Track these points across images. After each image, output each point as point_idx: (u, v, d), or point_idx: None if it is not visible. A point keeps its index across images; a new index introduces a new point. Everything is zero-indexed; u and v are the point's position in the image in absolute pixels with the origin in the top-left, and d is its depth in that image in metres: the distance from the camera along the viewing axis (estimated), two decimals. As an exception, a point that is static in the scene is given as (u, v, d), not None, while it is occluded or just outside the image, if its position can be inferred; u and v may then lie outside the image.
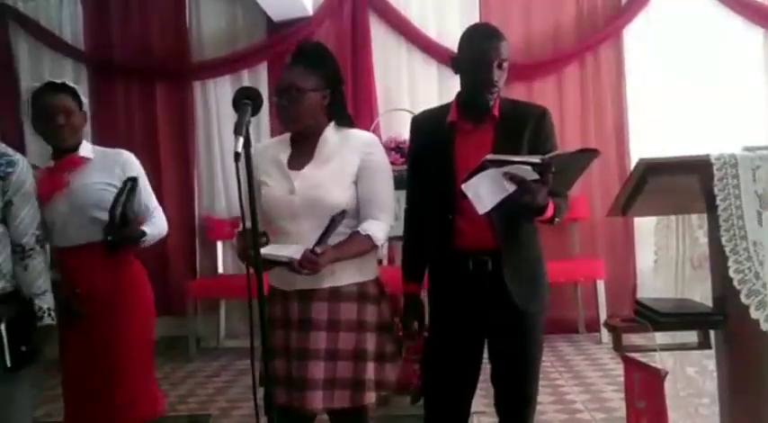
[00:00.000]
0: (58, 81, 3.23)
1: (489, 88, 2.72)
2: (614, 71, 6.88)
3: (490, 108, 2.76)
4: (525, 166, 2.41)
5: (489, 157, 2.46)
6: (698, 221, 2.56)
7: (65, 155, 3.19)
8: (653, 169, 2.28)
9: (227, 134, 7.10)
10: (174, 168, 7.16)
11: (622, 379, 2.59)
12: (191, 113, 7.17)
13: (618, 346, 2.53)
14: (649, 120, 6.64)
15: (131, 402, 3.16)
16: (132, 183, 3.12)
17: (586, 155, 2.47)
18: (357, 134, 2.86)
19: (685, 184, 2.33)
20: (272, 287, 2.82)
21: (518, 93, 6.74)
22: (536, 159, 2.42)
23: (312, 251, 2.54)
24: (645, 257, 6.40)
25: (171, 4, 7.23)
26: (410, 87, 6.93)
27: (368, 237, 2.71)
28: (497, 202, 2.46)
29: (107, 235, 3.06)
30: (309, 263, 2.53)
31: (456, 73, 2.83)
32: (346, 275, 2.74)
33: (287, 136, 2.88)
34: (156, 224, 3.27)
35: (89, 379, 3.12)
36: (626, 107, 6.85)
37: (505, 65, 2.73)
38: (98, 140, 7.06)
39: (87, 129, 3.42)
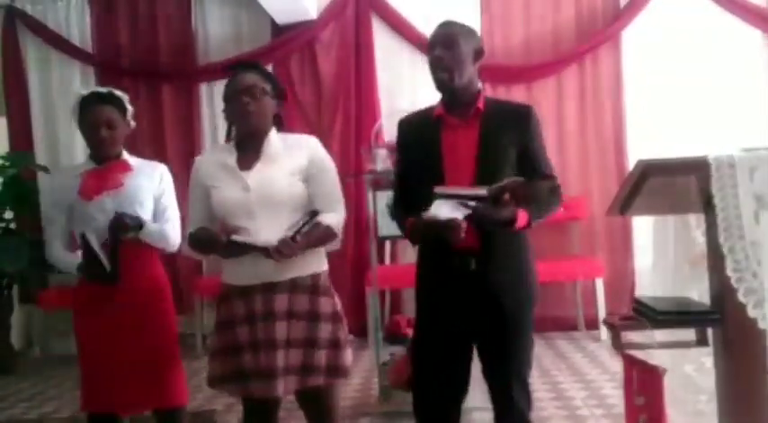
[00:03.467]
0: (105, 90, 3.34)
1: (436, 66, 2.82)
2: (613, 73, 6.88)
3: (468, 99, 2.84)
4: (470, 201, 2.57)
5: (437, 189, 2.59)
6: (696, 221, 2.53)
7: (109, 159, 3.33)
8: (651, 170, 2.27)
9: (232, 135, 7.15)
10: (181, 169, 7.07)
11: (621, 376, 2.60)
12: (197, 115, 7.20)
13: (617, 344, 2.53)
14: (648, 121, 6.64)
15: (155, 390, 3.27)
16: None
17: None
18: (299, 136, 3.12)
19: (683, 184, 2.32)
20: (227, 285, 2.99)
21: (517, 94, 6.79)
22: (482, 192, 2.56)
23: (292, 238, 2.75)
24: (643, 256, 6.44)
25: (177, 7, 7.26)
26: (413, 90, 6.89)
27: (328, 227, 2.91)
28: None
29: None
30: (288, 248, 2.74)
31: None
32: (305, 266, 2.92)
33: (228, 143, 3.05)
34: (160, 229, 3.36)
35: (120, 367, 3.21)
36: (625, 108, 6.85)
37: (453, 43, 2.80)
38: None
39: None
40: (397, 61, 7.05)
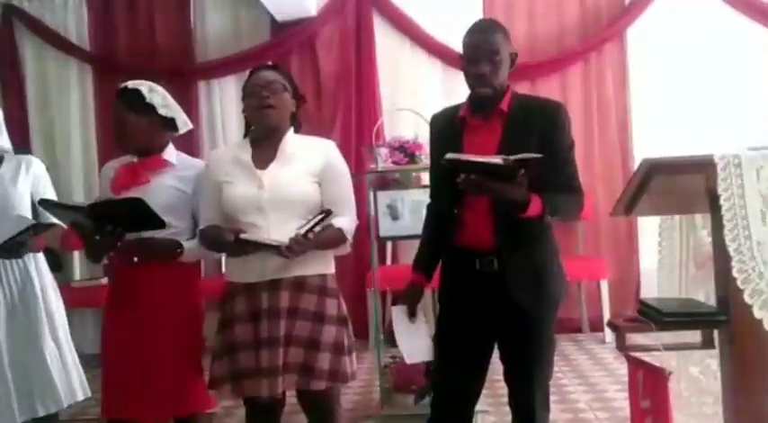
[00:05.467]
0: (130, 85, 3.23)
1: (479, 82, 2.74)
2: (618, 71, 6.86)
3: (494, 103, 2.77)
4: (485, 172, 2.49)
5: (449, 156, 2.51)
6: (702, 221, 2.55)
7: (149, 154, 3.22)
8: (657, 169, 2.26)
9: (231, 134, 7.14)
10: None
11: (626, 378, 2.59)
12: (195, 113, 7.10)
13: (621, 346, 2.52)
14: (653, 119, 6.62)
15: (178, 397, 3.15)
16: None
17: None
18: (317, 139, 3.11)
19: (689, 183, 2.32)
20: (231, 283, 2.97)
21: (522, 92, 6.74)
22: (497, 160, 2.47)
23: (304, 236, 2.73)
24: (648, 257, 6.38)
25: (175, 4, 7.25)
26: (414, 87, 6.92)
27: (340, 230, 2.92)
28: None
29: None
30: (300, 245, 2.72)
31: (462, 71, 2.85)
32: (312, 266, 2.92)
33: (245, 140, 3.04)
34: (198, 248, 3.18)
35: (137, 371, 3.12)
36: (630, 107, 6.83)
37: (498, 58, 2.72)
38: (103, 140, 7.15)
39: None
40: (399, 59, 7.04)
